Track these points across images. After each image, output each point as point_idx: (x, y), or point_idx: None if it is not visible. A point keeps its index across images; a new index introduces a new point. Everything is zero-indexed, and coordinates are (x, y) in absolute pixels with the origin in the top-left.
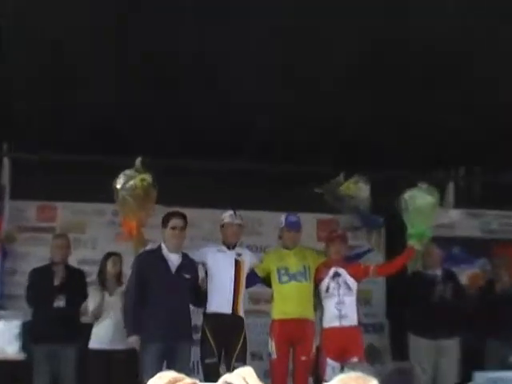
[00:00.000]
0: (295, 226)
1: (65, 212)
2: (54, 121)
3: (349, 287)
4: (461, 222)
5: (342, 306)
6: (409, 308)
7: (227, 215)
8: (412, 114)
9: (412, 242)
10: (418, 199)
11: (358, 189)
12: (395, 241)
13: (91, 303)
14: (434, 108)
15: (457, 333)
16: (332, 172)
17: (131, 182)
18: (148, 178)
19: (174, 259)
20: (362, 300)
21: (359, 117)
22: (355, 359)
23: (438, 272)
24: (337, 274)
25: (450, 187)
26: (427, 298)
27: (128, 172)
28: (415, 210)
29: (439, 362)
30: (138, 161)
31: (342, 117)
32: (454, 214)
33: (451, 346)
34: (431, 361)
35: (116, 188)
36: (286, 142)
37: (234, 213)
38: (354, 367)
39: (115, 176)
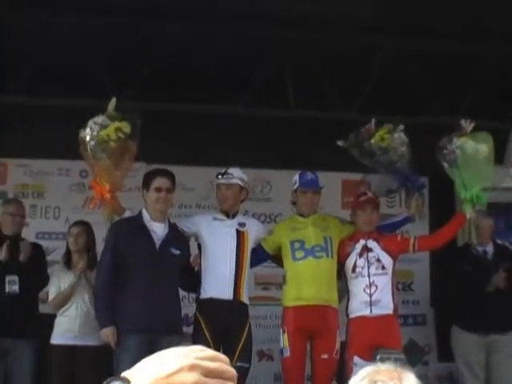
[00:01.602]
0: (312, 185)
1: (18, 171)
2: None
3: (382, 265)
4: None
5: (373, 290)
6: (452, 295)
7: (217, 174)
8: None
9: (465, 210)
10: (469, 150)
11: (394, 140)
12: (442, 206)
13: (53, 288)
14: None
15: None
16: (360, 119)
17: (103, 133)
18: (125, 127)
19: (158, 230)
20: (401, 283)
21: (392, 49)
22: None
23: (489, 248)
24: (366, 249)
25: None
26: (474, 282)
27: (99, 119)
28: (466, 165)
29: (492, 361)
30: (112, 104)
31: (371, 50)
32: None
33: (505, 342)
34: (482, 361)
35: (83, 140)
36: (299, 80)
37: (225, 171)
38: (387, 357)
39: (83, 124)
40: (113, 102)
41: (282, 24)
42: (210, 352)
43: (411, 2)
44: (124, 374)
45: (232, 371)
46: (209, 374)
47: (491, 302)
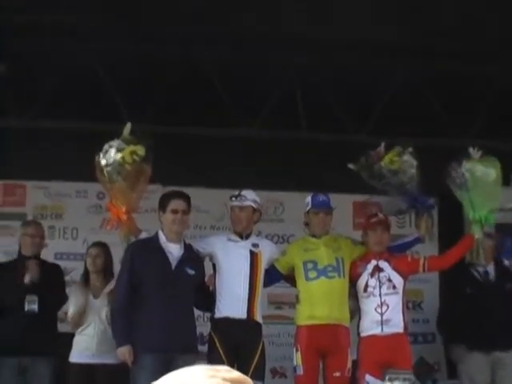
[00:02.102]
0: (324, 207)
1: (37, 193)
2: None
3: (393, 285)
4: None
5: (384, 309)
6: (455, 316)
7: (231, 196)
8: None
9: (474, 231)
10: (478, 173)
11: (403, 162)
12: (451, 227)
13: (71, 307)
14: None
15: None
16: (370, 141)
17: (118, 156)
18: (140, 150)
19: (174, 251)
20: (411, 302)
21: (403, 72)
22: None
23: (490, 269)
24: (378, 269)
25: None
26: (476, 303)
27: (114, 143)
28: (475, 188)
29: (496, 378)
30: (127, 128)
31: (381, 73)
32: None
33: (509, 358)
34: (487, 379)
35: (99, 163)
36: (311, 104)
37: (239, 193)
38: (396, 377)
39: (99, 148)
40: (128, 126)
41: (294, 47)
42: (236, 374)
43: (422, 26)
44: None
45: None
46: None
47: (493, 321)
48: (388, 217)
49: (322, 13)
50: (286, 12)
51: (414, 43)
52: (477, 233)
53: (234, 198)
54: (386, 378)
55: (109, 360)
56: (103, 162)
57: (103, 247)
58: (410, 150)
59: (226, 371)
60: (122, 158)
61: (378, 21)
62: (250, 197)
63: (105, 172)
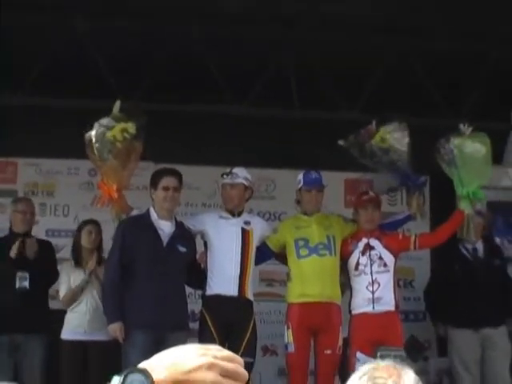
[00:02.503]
0: (316, 184)
1: (28, 170)
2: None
3: (384, 263)
4: None
5: (375, 287)
6: (444, 293)
7: (222, 174)
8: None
9: (462, 206)
10: (467, 149)
11: (394, 140)
12: (443, 204)
13: (63, 284)
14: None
15: (505, 321)
16: (362, 118)
17: (109, 134)
18: (130, 128)
19: (165, 228)
20: (402, 280)
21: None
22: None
23: (479, 246)
24: (369, 247)
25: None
26: (465, 277)
27: (104, 121)
28: (463, 164)
29: (486, 358)
30: (117, 106)
31: (374, 51)
32: None
33: (499, 336)
34: (477, 356)
35: (90, 141)
36: (302, 81)
37: (230, 170)
38: (387, 354)
39: (90, 126)
40: (117, 104)
41: (285, 25)
42: (227, 352)
43: (413, 3)
44: (142, 364)
45: (246, 374)
46: (225, 374)
47: (482, 297)
48: (379, 195)
49: None
50: None
51: (404, 22)
52: (466, 208)
53: (225, 176)
54: (378, 355)
55: (101, 337)
56: (93, 139)
57: (97, 225)
58: (402, 127)
59: (216, 350)
60: (113, 136)
61: None
62: (242, 174)
63: (95, 150)
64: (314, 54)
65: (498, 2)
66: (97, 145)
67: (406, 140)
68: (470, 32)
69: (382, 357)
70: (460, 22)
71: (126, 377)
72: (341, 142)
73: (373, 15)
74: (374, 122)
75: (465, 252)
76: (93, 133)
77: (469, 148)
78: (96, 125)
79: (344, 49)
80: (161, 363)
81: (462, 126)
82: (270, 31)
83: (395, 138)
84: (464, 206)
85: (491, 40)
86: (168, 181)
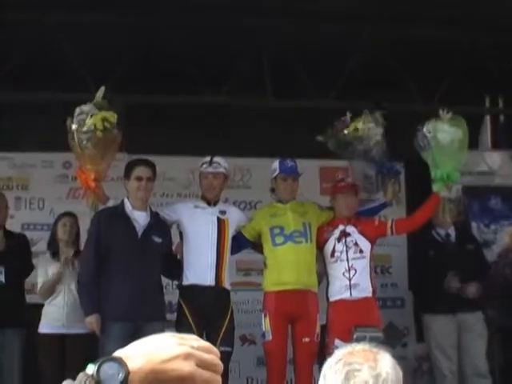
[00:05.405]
0: (291, 172)
1: (1, 165)
2: None
3: (360, 249)
4: (501, 167)
5: (352, 274)
6: (418, 279)
7: (202, 163)
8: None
9: (436, 187)
10: (441, 132)
11: (369, 129)
12: (418, 191)
13: (41, 277)
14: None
15: (480, 307)
16: (336, 105)
17: (90, 122)
18: (112, 117)
19: (140, 219)
20: (379, 267)
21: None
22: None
23: (451, 231)
24: (344, 234)
25: (487, 123)
26: (439, 263)
27: (86, 108)
28: (438, 146)
29: (463, 341)
30: (101, 92)
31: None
32: (493, 158)
33: (474, 321)
34: (454, 342)
35: (71, 129)
36: (276, 70)
37: (211, 159)
38: (363, 336)
39: (71, 113)
40: (102, 89)
41: (259, 14)
42: (203, 343)
43: None
44: (117, 353)
45: (221, 366)
46: (202, 364)
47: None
48: (356, 182)
49: None
50: None
51: (378, 10)
52: (441, 190)
53: (205, 165)
54: (354, 337)
55: (79, 330)
56: (74, 126)
57: (74, 217)
58: (375, 116)
59: (193, 340)
60: (93, 124)
61: None
62: (223, 163)
63: (75, 137)
64: (287, 42)
65: None
66: (77, 132)
67: (380, 129)
68: (443, 19)
69: (358, 339)
70: (434, 10)
71: (100, 365)
72: (319, 138)
73: (347, 3)
74: (348, 114)
75: (437, 237)
76: (74, 119)
77: (443, 131)
78: (77, 111)
79: (318, 38)
80: (137, 352)
81: (441, 111)
82: (243, 21)
83: (369, 127)
84: (438, 188)
85: (465, 27)
86: (141, 171)
